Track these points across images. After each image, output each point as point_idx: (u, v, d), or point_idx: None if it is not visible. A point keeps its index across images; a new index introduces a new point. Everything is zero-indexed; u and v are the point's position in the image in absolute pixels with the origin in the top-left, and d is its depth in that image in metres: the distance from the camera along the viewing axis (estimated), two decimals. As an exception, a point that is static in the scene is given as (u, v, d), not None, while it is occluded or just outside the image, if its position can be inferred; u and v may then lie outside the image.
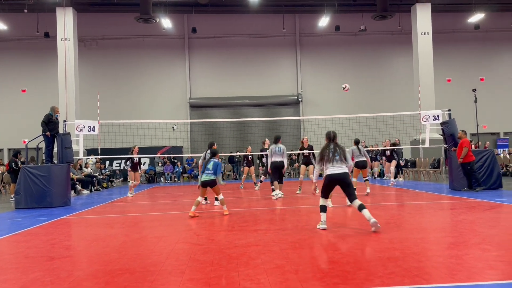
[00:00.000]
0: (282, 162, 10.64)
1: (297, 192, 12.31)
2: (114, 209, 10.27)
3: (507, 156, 18.66)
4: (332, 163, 6.05)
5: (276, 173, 10.77)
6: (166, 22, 22.44)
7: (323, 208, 6.07)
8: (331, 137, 6.36)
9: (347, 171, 6.11)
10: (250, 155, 15.07)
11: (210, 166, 7.98)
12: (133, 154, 13.33)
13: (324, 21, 22.78)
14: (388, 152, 15.46)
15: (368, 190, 10.95)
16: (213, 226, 6.88)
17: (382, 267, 3.94)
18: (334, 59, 24.82)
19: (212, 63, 24.73)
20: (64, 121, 13.48)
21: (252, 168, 14.89)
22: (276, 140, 10.84)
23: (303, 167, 12.63)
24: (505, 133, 24.20)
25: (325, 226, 5.95)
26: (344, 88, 13.69)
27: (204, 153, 9.56)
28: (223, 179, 8.57)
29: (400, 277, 3.59)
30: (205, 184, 7.96)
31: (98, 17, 23.49)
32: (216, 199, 8.43)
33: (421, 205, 8.88)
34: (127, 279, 3.84)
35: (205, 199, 9.27)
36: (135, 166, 13.49)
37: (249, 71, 24.60)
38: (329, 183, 6.17)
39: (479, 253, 4.41)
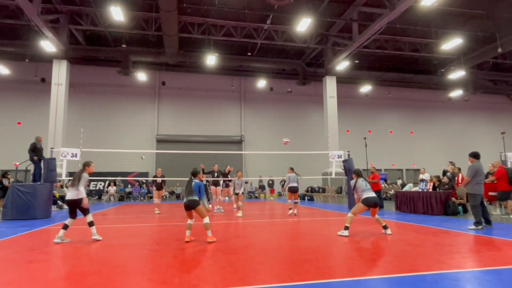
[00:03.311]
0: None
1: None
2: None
3: (386, 185, 19.75)
4: (366, 191, 6.25)
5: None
6: (141, 76, 21.98)
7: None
8: (359, 173, 6.56)
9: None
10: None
11: (191, 187, 5.79)
12: (157, 176, 11.82)
13: (262, 83, 23.43)
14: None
15: (294, 211, 10.13)
16: (170, 236, 6.52)
17: (300, 267, 3.92)
18: (269, 111, 25.40)
19: (176, 109, 24.33)
20: (51, 148, 12.54)
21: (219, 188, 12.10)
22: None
23: (212, 188, 11.79)
24: (385, 169, 25.68)
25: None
26: (284, 142, 12.44)
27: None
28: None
29: (313, 274, 3.58)
30: (188, 207, 5.64)
31: (87, 68, 22.54)
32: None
33: (329, 221, 9.06)
34: (96, 278, 3.51)
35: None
36: (159, 185, 11.83)
37: (205, 116, 24.45)
38: (367, 204, 6.21)
39: (368, 255, 4.53)
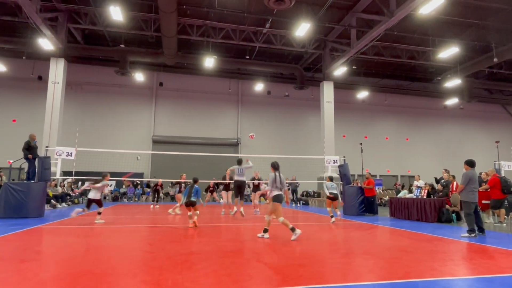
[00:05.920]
0: (244, 181, 10.64)
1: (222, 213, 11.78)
2: (83, 221, 9.41)
3: (381, 191, 19.81)
4: (278, 188, 6.33)
5: (237, 190, 10.59)
6: (139, 76, 21.95)
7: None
8: (276, 167, 6.48)
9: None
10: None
11: (193, 191, 8.10)
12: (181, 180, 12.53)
13: (259, 86, 23.49)
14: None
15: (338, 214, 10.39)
16: (164, 237, 6.51)
17: (294, 272, 3.92)
18: (266, 114, 25.43)
19: (173, 110, 24.30)
20: (46, 146, 12.46)
21: (230, 192, 12.71)
22: (239, 162, 10.61)
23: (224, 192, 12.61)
24: (380, 175, 25.78)
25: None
26: (250, 136, 14.97)
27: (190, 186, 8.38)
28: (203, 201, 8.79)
29: (307, 279, 3.58)
30: (188, 205, 8.00)
31: (85, 67, 22.46)
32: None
33: (323, 225, 9.07)
34: (88, 279, 3.48)
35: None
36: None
37: (202, 118, 24.44)
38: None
39: (362, 260, 4.54)
